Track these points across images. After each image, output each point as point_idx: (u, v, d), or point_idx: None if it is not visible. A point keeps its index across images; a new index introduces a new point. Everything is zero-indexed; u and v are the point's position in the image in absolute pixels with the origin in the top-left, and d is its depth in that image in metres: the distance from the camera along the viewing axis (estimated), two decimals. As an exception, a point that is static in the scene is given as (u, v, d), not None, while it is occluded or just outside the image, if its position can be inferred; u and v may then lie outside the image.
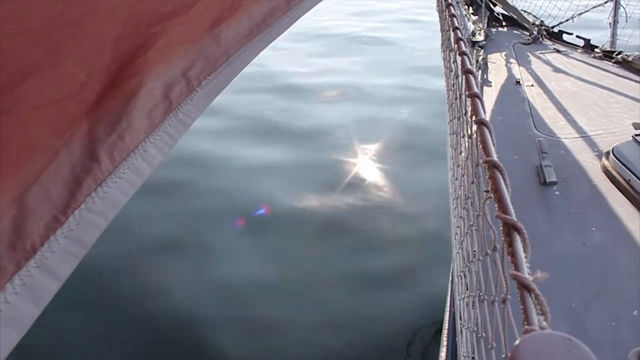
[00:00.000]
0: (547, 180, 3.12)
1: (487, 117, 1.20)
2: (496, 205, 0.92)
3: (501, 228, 0.87)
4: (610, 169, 3.14)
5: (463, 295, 2.00)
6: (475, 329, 1.52)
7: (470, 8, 6.84)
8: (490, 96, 4.54)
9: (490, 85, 4.75)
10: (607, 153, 3.25)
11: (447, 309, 3.08)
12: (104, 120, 1.04)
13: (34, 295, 0.83)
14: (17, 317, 0.79)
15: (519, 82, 4.72)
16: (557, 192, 3.08)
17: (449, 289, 3.33)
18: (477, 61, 5.26)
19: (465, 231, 1.71)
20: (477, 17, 6.50)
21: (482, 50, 5.61)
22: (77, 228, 0.92)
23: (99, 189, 0.98)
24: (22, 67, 0.90)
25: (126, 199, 1.04)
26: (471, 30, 6.12)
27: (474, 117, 1.18)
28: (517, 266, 0.77)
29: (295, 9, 1.96)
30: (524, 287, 0.72)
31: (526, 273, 0.75)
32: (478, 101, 1.21)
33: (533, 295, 0.70)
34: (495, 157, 0.99)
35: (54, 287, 0.86)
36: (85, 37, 1.04)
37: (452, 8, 2.00)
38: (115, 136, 1.05)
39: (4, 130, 0.85)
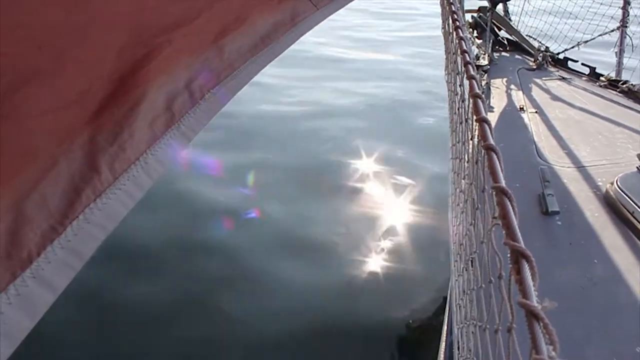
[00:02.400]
0: (549, 209, 3.14)
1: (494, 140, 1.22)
2: (504, 232, 0.93)
3: (509, 255, 0.88)
4: (613, 199, 3.16)
5: (462, 325, 2.00)
6: (475, 359, 1.53)
7: (475, 31, 6.96)
8: (492, 122, 4.57)
9: (493, 111, 4.79)
10: (611, 183, 3.26)
11: (444, 338, 3.08)
12: (105, 130, 1.05)
13: (29, 306, 0.83)
14: (10, 329, 0.79)
15: (522, 108, 4.77)
16: (559, 222, 3.09)
17: (445, 317, 3.33)
18: (480, 86, 5.30)
19: (467, 258, 1.72)
20: (481, 40, 6.60)
21: (486, 75, 5.68)
22: (75, 239, 0.92)
23: (98, 200, 0.98)
24: (24, 74, 0.91)
25: (126, 211, 1.04)
26: (475, 54, 6.22)
27: (482, 142, 1.20)
28: (525, 294, 0.78)
29: (300, 24, 2.00)
30: (532, 315, 0.73)
31: (535, 301, 0.76)
32: (486, 126, 1.23)
33: (542, 324, 0.72)
34: (503, 184, 1.01)
35: (50, 299, 0.86)
36: (88, 45, 1.05)
37: (460, 31, 2.03)
38: (116, 146, 1.06)
39: (3, 136, 0.86)
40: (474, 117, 1.36)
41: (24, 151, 0.91)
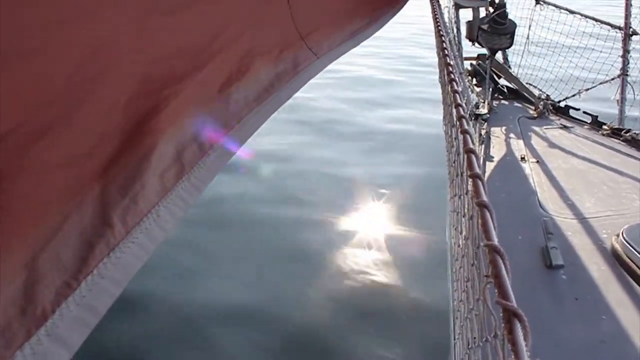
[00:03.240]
0: (553, 263, 3.14)
1: (489, 195, 1.25)
2: (496, 290, 0.95)
3: (501, 314, 0.90)
4: (620, 252, 3.17)
5: None
6: None
7: (474, 79, 7.09)
8: (493, 172, 4.62)
9: (493, 161, 4.85)
10: (617, 235, 3.28)
11: None
12: (116, 183, 1.07)
13: None
14: None
15: (523, 158, 4.83)
16: (564, 276, 3.09)
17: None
18: (480, 135, 5.38)
19: (465, 315, 1.73)
20: (480, 88, 6.72)
21: (486, 124, 5.75)
22: (89, 295, 0.93)
23: (111, 254, 1.00)
24: (35, 129, 0.94)
25: (140, 265, 1.05)
26: (474, 102, 6.30)
27: (474, 199, 1.23)
28: (517, 354, 0.80)
29: (302, 73, 2.07)
30: None
31: None
32: (479, 182, 1.26)
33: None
34: (496, 241, 1.03)
35: (65, 357, 0.87)
36: (97, 98, 1.09)
37: (455, 84, 2.09)
38: (128, 199, 1.08)
39: (15, 193, 0.88)
40: (468, 172, 1.39)
41: (35, 207, 0.93)
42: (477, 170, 1.33)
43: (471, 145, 1.48)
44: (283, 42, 2.02)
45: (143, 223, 1.09)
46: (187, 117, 1.34)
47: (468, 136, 1.55)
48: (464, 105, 1.86)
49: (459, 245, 2.09)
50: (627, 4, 5.82)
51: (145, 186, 1.13)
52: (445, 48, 2.64)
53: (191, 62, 1.41)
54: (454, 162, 2.02)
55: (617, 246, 3.22)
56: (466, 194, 1.57)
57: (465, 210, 1.66)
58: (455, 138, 1.95)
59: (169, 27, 1.34)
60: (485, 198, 1.20)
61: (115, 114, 1.13)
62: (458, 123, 1.73)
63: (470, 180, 1.35)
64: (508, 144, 5.23)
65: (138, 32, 1.21)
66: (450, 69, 2.29)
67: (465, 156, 1.45)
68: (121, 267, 1.00)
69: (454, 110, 1.91)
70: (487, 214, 1.14)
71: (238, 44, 1.69)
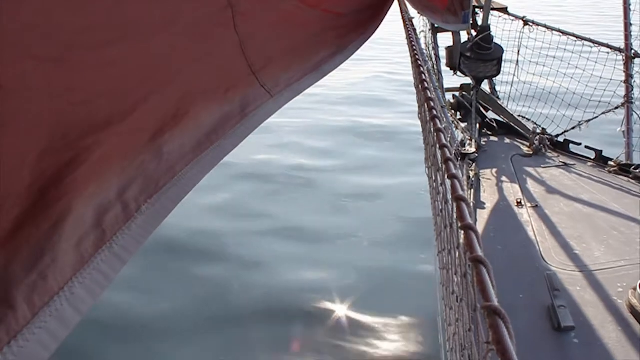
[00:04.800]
0: (563, 324, 3.16)
1: (482, 249, 1.28)
2: (500, 359, 0.98)
3: None
4: (638, 308, 3.20)
5: None
6: None
7: (458, 113, 7.14)
8: (485, 220, 4.66)
9: (485, 208, 4.89)
10: (634, 289, 3.31)
11: None
12: (21, 255, 1.04)
13: None
14: None
15: (520, 202, 4.88)
16: (576, 340, 3.10)
17: None
18: (468, 177, 5.43)
19: None
20: (466, 123, 6.77)
21: (474, 164, 5.80)
22: None
23: (13, 343, 0.96)
24: None
25: (48, 355, 1.01)
26: (459, 139, 6.35)
27: (468, 254, 1.26)
28: None
29: (252, 115, 2.03)
30: None
31: None
32: (473, 235, 1.28)
33: None
34: (495, 302, 1.05)
35: None
36: (2, 152, 1.06)
37: (437, 121, 2.13)
38: (35, 275, 1.04)
39: None
40: (459, 224, 1.43)
41: None
42: (469, 220, 1.37)
43: (461, 192, 1.52)
44: (229, 78, 2.00)
45: (53, 303, 1.05)
46: (110, 172, 1.31)
47: (457, 181, 1.59)
48: (449, 145, 1.90)
49: (451, 308, 2.11)
50: (626, 24, 5.99)
51: (57, 258, 1.09)
52: (425, 80, 2.69)
53: (117, 105, 1.39)
54: (442, 212, 2.05)
55: (635, 301, 3.25)
56: (457, 247, 1.60)
57: (457, 267, 1.69)
58: (441, 184, 1.99)
59: (92, 64, 1.32)
60: (480, 252, 1.22)
61: (23, 170, 1.10)
62: (444, 167, 1.77)
63: (462, 232, 1.39)
64: (501, 188, 5.28)
65: (54, 70, 1.20)
66: (432, 104, 2.33)
67: (455, 205, 1.49)
68: (25, 358, 0.96)
69: (439, 152, 1.95)
70: (484, 271, 1.16)
71: (174, 84, 1.68)
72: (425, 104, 2.47)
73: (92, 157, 1.25)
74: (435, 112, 2.23)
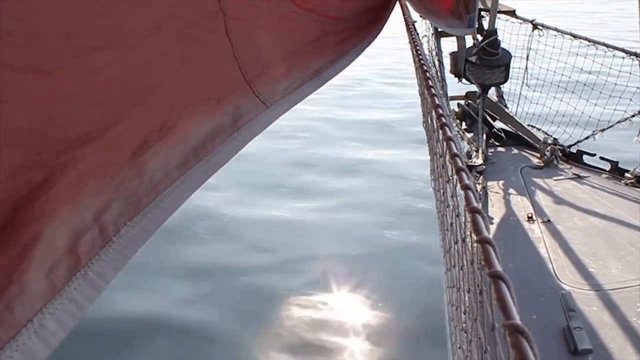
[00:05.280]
0: (579, 347, 3.13)
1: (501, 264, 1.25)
2: None
3: None
4: None
5: None
6: None
7: (463, 123, 7.15)
8: (493, 236, 4.55)
9: (493, 223, 4.87)
10: None
11: None
12: None
13: None
14: None
15: (530, 217, 4.87)
16: None
17: None
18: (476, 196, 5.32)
19: None
20: (472, 134, 6.75)
21: (481, 177, 5.79)
22: None
23: None
24: None
25: None
26: (466, 150, 6.34)
27: (485, 269, 1.24)
28: None
29: (245, 128, 2.00)
30: None
31: None
32: (491, 250, 1.26)
33: None
34: (518, 320, 1.03)
35: None
36: None
37: (447, 129, 2.11)
38: (1, 306, 1.02)
39: None
40: (474, 238, 1.40)
41: None
42: (486, 233, 1.34)
43: (475, 204, 1.50)
44: (221, 88, 1.96)
45: (20, 337, 1.03)
46: (87, 193, 1.28)
47: (470, 192, 1.56)
48: (461, 155, 1.88)
49: (462, 329, 2.09)
50: None
51: (25, 287, 1.06)
52: (432, 87, 2.67)
53: (97, 119, 1.35)
54: (452, 225, 2.03)
55: None
56: (471, 264, 1.58)
57: (470, 285, 1.66)
58: (452, 196, 1.96)
59: (72, 73, 1.29)
60: (499, 268, 1.21)
61: None
62: (456, 177, 1.75)
63: (476, 246, 1.36)
64: (510, 202, 5.26)
65: (31, 81, 1.17)
66: (441, 111, 2.32)
67: (470, 217, 1.46)
68: None
69: (449, 163, 1.93)
70: (504, 287, 1.14)
71: (160, 94, 1.64)
72: (433, 111, 2.45)
73: (67, 176, 1.22)
74: (444, 120, 2.21)
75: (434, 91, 2.61)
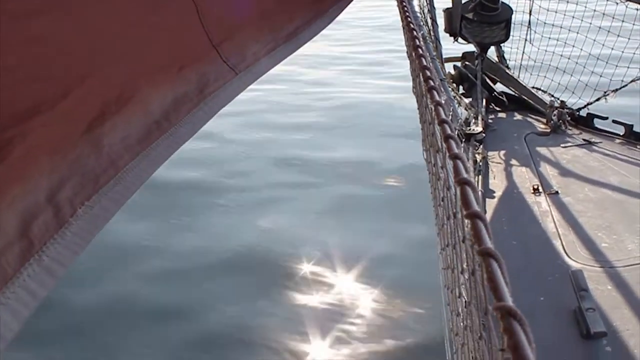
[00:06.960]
0: (592, 330, 3.15)
1: (494, 241, 1.24)
2: None
3: None
4: None
5: None
6: None
7: (461, 87, 7.13)
8: (495, 211, 4.66)
9: (495, 197, 4.89)
10: None
11: None
12: None
13: None
14: None
15: (536, 189, 4.88)
16: (608, 348, 3.10)
17: None
18: (474, 162, 5.40)
19: None
20: (470, 99, 6.74)
21: (481, 146, 5.77)
22: None
23: None
24: None
25: None
26: (464, 117, 6.30)
27: (476, 247, 1.23)
28: None
29: (213, 97, 2.00)
30: None
31: None
32: (480, 223, 1.25)
33: None
34: (509, 301, 1.03)
35: None
36: None
37: (435, 92, 2.09)
38: None
39: None
40: (463, 212, 1.39)
41: None
42: (476, 207, 1.34)
43: (464, 174, 1.49)
44: (185, 53, 1.95)
45: None
46: (38, 170, 1.28)
47: (459, 162, 1.56)
48: (449, 120, 1.87)
49: (458, 314, 2.09)
50: None
51: None
52: (419, 46, 2.65)
53: (46, 89, 1.35)
54: (443, 200, 2.02)
55: None
56: (463, 241, 1.58)
57: (464, 265, 1.66)
58: (442, 167, 1.96)
59: (15, 39, 1.28)
60: (489, 244, 1.20)
61: None
62: (445, 146, 1.74)
63: (468, 221, 1.36)
64: (514, 173, 5.27)
65: None
66: (428, 73, 2.30)
67: (459, 189, 1.46)
68: None
69: (438, 129, 1.92)
70: (495, 265, 1.13)
71: (117, 61, 1.63)
72: (420, 74, 2.44)
73: (14, 153, 1.22)
74: (432, 83, 2.20)
75: (421, 52, 2.59)
